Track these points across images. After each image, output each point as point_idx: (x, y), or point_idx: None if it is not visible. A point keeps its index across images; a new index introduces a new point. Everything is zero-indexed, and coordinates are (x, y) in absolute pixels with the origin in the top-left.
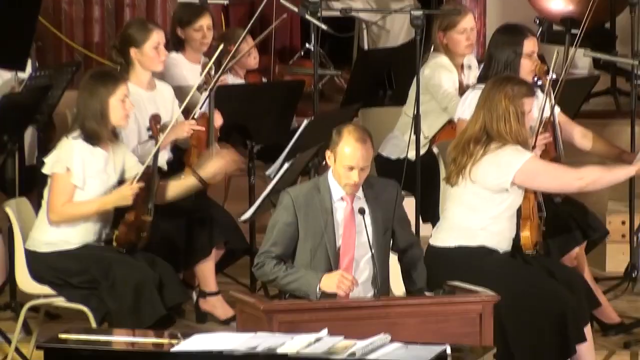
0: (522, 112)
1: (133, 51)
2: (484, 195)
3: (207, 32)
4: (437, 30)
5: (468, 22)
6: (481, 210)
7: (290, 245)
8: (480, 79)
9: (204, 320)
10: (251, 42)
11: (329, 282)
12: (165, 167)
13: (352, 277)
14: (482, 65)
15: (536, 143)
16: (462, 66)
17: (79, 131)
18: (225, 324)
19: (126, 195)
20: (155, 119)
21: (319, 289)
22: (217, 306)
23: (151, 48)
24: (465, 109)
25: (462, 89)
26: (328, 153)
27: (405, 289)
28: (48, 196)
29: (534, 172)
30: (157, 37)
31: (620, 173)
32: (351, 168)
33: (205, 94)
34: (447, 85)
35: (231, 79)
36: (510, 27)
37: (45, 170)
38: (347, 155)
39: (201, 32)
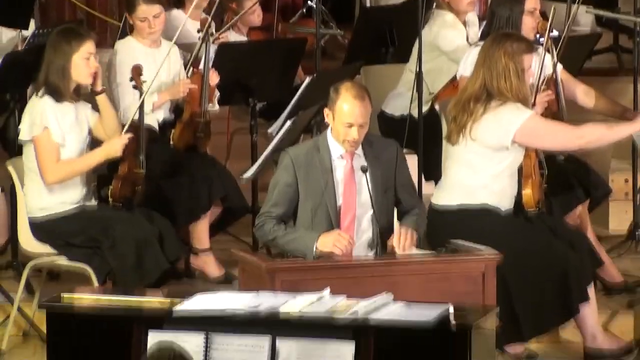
0: (522, 69)
1: (127, 15)
2: (485, 153)
3: None
4: None
5: None
6: (482, 168)
7: (291, 206)
8: (483, 36)
9: (192, 276)
10: None
11: (326, 241)
12: (156, 127)
13: (349, 236)
14: (484, 23)
15: (537, 100)
16: (464, 23)
17: (44, 88)
18: (214, 282)
19: (116, 146)
20: (136, 70)
21: (316, 248)
22: (209, 263)
23: (137, 20)
24: (467, 66)
25: None
26: (326, 111)
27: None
28: (37, 160)
29: (534, 130)
30: (147, 10)
31: (623, 130)
32: (350, 125)
33: (203, 50)
34: (462, 42)
35: (233, 36)
36: None
37: (23, 137)
38: (346, 112)
39: None
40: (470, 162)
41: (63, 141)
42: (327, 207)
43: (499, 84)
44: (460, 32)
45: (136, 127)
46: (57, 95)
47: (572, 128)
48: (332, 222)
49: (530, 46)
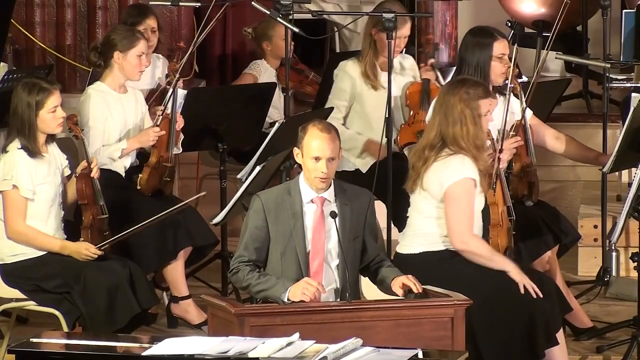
0: (478, 115)
1: (117, 55)
2: (436, 203)
3: (151, 34)
4: (370, 27)
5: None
6: (438, 217)
7: (263, 249)
8: None
9: (175, 326)
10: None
11: (296, 291)
12: (122, 173)
13: (318, 283)
14: (453, 69)
15: (504, 146)
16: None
17: (18, 141)
18: (197, 328)
19: (80, 252)
20: (71, 119)
21: (288, 299)
22: (189, 310)
23: (135, 56)
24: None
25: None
26: (296, 150)
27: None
28: (3, 213)
29: (455, 195)
30: (142, 46)
31: (502, 264)
32: (317, 158)
33: (172, 95)
34: (337, 92)
35: (264, 66)
36: (480, 30)
37: None
38: (313, 147)
39: (145, 34)
40: (426, 210)
41: (33, 196)
42: (296, 251)
43: (455, 131)
44: (349, 82)
45: (88, 173)
46: (29, 151)
47: (469, 229)
48: (301, 267)
49: (487, 91)
